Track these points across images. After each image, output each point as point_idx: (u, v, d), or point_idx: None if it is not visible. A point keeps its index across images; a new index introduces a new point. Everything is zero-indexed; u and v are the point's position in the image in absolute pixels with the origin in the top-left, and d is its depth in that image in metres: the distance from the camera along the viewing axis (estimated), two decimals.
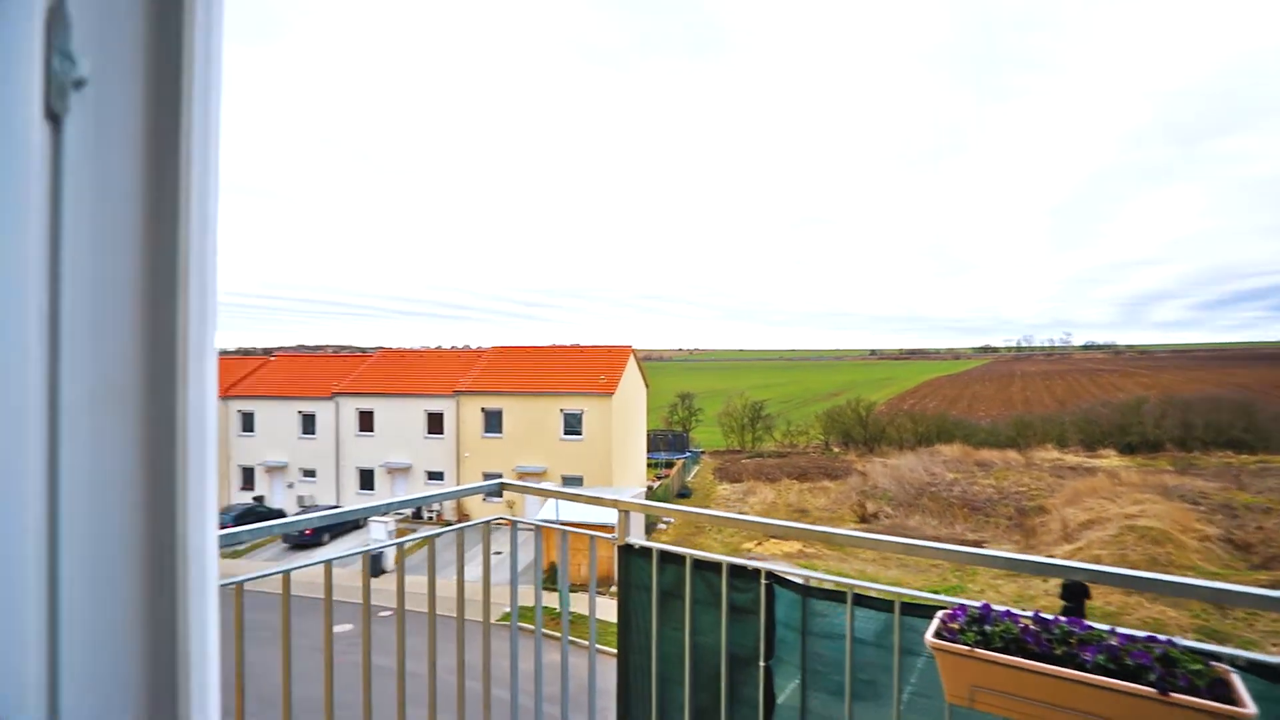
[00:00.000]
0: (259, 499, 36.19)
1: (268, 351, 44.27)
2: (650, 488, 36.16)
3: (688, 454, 49.78)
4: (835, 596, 2.35)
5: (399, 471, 35.04)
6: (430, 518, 33.91)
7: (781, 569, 2.53)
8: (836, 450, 54.28)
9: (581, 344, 39.45)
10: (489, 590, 2.96)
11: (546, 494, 2.95)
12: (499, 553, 27.51)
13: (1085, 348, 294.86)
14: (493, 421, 33.88)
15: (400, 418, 35.19)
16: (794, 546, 29.21)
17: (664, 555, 2.62)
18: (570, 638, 2.82)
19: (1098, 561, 24.08)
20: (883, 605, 2.24)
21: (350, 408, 35.77)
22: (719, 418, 62.73)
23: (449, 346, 42.26)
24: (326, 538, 30.31)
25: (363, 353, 44.58)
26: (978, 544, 29.17)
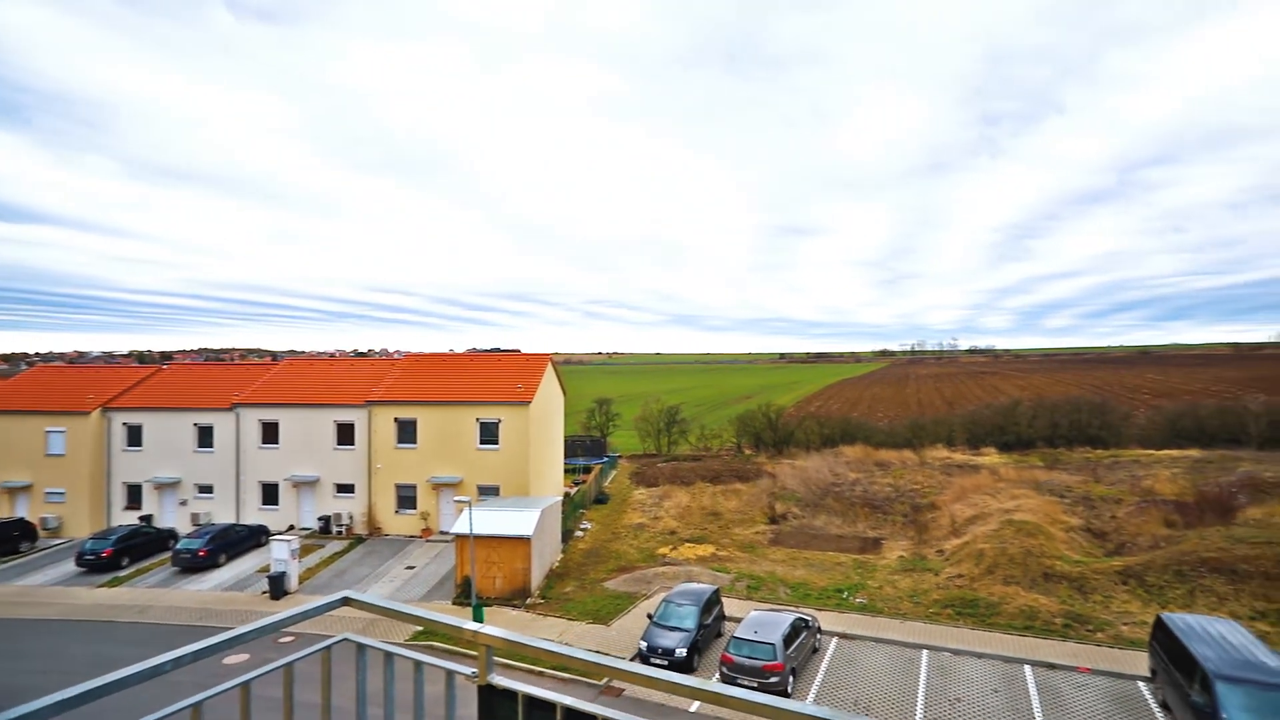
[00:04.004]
0: (146, 519, 33.85)
1: (166, 357, 41.37)
2: (568, 495, 36.33)
3: (605, 459, 50.18)
4: None
5: (305, 485, 33.67)
6: (340, 531, 32.85)
7: None
8: (748, 453, 56.23)
9: (500, 351, 39.15)
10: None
11: (393, 615, 2.45)
12: (411, 567, 27.08)
13: (969, 351, 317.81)
14: (407, 431, 33.15)
15: (308, 429, 33.82)
16: (708, 550, 30.25)
17: (532, 702, 2.14)
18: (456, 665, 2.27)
19: (982, 554, 26.32)
20: None
21: (252, 419, 34.07)
22: (636, 422, 63.58)
23: (365, 351, 40.92)
24: (223, 558, 28.82)
25: (273, 358, 42.48)
26: (878, 541, 31.16)
